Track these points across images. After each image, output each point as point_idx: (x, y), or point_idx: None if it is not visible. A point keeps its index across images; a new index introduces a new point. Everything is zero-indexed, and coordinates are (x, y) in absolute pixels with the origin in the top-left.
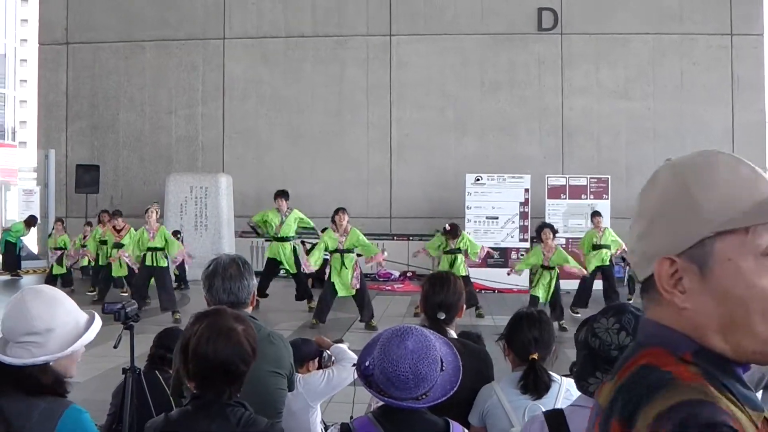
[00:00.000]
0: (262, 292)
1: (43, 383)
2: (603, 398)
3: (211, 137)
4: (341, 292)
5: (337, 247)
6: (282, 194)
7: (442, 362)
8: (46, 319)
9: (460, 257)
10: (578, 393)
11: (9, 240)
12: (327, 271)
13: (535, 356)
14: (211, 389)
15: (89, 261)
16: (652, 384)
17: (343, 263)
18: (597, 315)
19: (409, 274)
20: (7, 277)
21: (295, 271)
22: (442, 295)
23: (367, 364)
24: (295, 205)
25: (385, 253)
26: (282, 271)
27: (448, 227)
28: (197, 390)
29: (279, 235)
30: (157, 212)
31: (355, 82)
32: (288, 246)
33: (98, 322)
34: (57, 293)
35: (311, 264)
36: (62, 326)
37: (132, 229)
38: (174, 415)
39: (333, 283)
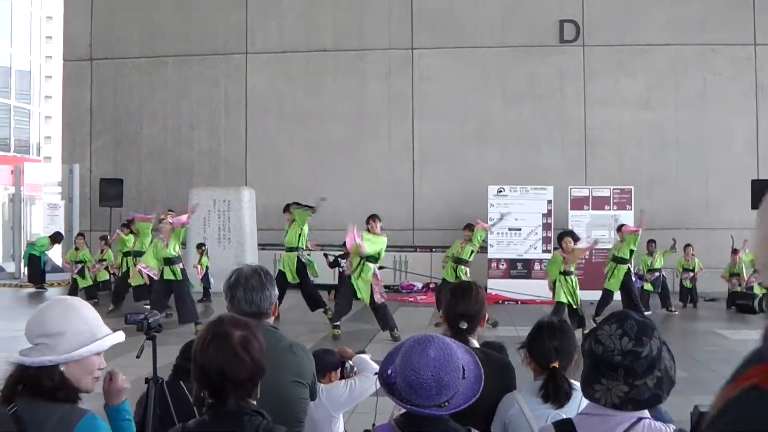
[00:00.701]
0: (318, 302)
1: (49, 386)
2: (716, 403)
3: (234, 151)
4: (360, 294)
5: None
6: (288, 208)
7: (464, 370)
8: (59, 323)
9: (462, 268)
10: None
11: (33, 253)
12: (343, 272)
13: (556, 365)
14: (218, 397)
15: (110, 273)
16: (754, 416)
17: (361, 270)
18: (601, 323)
19: (432, 286)
20: (32, 289)
21: (297, 280)
22: (464, 304)
23: (389, 372)
24: (316, 218)
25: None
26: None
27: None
28: (211, 399)
29: (286, 245)
30: (171, 222)
31: (376, 94)
32: (294, 256)
33: (120, 335)
34: (78, 303)
35: (366, 248)
36: (75, 332)
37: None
38: (191, 425)
39: (352, 283)
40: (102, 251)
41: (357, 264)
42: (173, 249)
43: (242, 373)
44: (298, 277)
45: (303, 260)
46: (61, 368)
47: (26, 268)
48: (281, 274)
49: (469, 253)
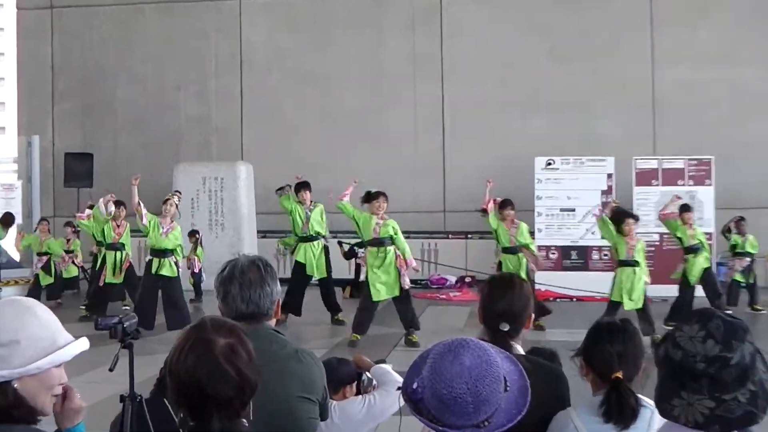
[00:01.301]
0: (295, 308)
1: (2, 405)
2: None
3: (227, 118)
4: (379, 296)
5: (375, 233)
6: (305, 186)
7: (505, 381)
8: (13, 330)
9: (521, 258)
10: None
11: None
12: (360, 264)
13: (619, 375)
14: (199, 419)
15: (79, 268)
16: None
17: (384, 259)
18: (679, 323)
19: (467, 280)
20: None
21: (324, 275)
22: (505, 301)
23: (414, 386)
24: (329, 199)
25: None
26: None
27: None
28: (191, 420)
29: (306, 234)
30: (177, 205)
31: (397, 51)
32: (318, 246)
33: (83, 343)
34: (34, 305)
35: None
36: (32, 340)
37: (129, 226)
38: None
39: (369, 285)
40: (69, 240)
41: (375, 254)
42: (175, 238)
43: (227, 390)
44: (325, 271)
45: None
46: (15, 385)
47: None
48: (302, 268)
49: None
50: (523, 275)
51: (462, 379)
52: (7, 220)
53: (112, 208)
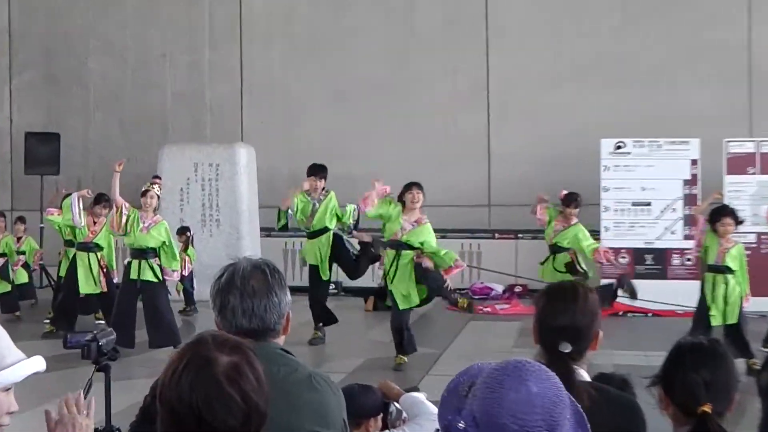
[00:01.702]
0: (329, 317)
1: None
2: None
3: (224, 94)
4: (405, 305)
5: (395, 234)
6: (318, 170)
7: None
8: None
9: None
10: None
11: None
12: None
13: (707, 408)
14: None
15: (30, 272)
16: None
17: (397, 263)
18: None
19: (517, 289)
20: None
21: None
22: (566, 316)
23: (461, 425)
24: (347, 191)
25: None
26: (331, 286)
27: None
28: None
29: (312, 229)
30: (158, 196)
31: (431, 12)
32: (325, 239)
33: (38, 362)
34: None
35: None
36: None
37: (107, 221)
38: None
39: (392, 294)
40: (19, 239)
41: (392, 259)
42: (159, 234)
43: (230, 419)
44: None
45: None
46: None
47: None
48: (314, 272)
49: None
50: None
51: (534, 409)
52: None
53: (82, 221)
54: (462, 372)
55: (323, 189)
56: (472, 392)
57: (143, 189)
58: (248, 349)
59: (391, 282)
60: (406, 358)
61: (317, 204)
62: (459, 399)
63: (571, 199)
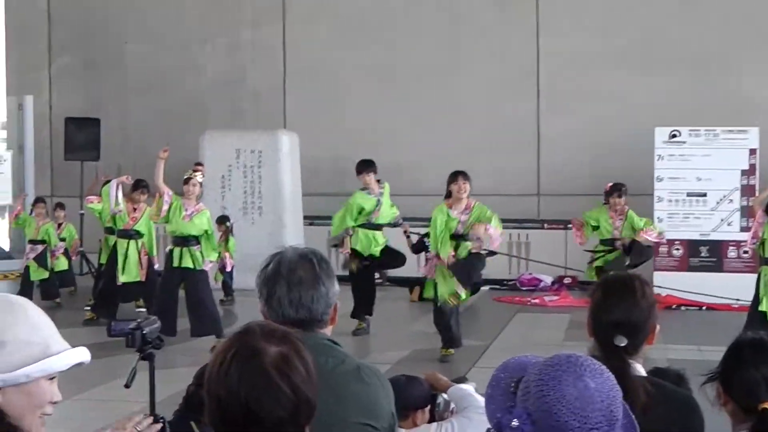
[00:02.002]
0: (369, 307)
1: None
2: None
3: (267, 78)
4: (449, 297)
5: (456, 230)
6: (367, 166)
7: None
8: None
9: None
10: None
11: None
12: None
13: None
14: None
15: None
16: None
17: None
18: None
19: (567, 281)
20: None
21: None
22: (622, 309)
23: (515, 423)
24: (393, 179)
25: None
26: (376, 275)
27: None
28: None
29: (376, 222)
30: (201, 183)
31: None
32: (381, 236)
33: (82, 353)
34: (24, 303)
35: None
36: (20, 344)
37: (148, 209)
38: None
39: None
40: (60, 225)
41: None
42: (201, 223)
43: (278, 410)
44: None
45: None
46: None
47: None
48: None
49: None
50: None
51: (595, 405)
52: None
53: (121, 206)
54: (501, 368)
55: (378, 181)
56: (523, 389)
57: (185, 176)
58: (297, 340)
59: (442, 278)
60: (453, 351)
61: (380, 198)
62: (507, 396)
63: (614, 190)
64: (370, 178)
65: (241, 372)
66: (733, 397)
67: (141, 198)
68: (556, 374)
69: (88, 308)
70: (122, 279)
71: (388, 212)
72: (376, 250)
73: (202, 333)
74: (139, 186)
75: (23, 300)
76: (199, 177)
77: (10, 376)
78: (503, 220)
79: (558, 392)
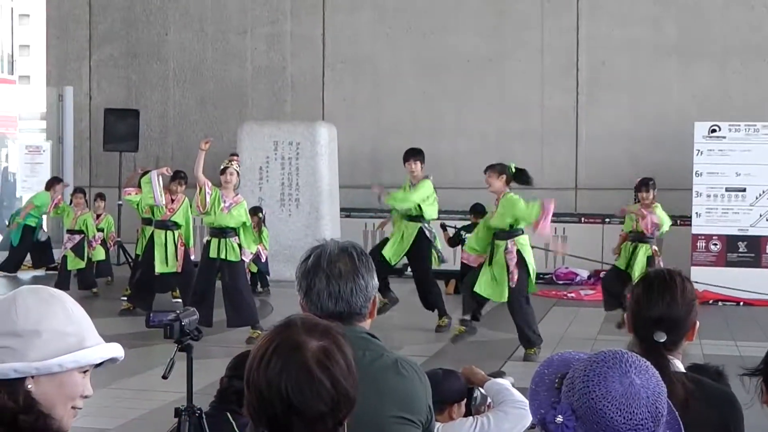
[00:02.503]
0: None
1: (10, 408)
2: None
3: (306, 69)
4: (481, 290)
5: (489, 223)
6: (415, 154)
7: None
8: (33, 320)
9: (646, 248)
10: None
11: (29, 224)
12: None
13: None
14: None
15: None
16: None
17: (493, 250)
18: None
19: (603, 275)
20: (41, 272)
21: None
22: (662, 305)
23: (559, 420)
24: (432, 172)
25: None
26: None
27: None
28: None
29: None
30: (238, 173)
31: None
32: (411, 229)
33: (116, 349)
34: (61, 295)
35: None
36: (55, 334)
37: (187, 201)
38: None
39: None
40: (99, 216)
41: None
42: (239, 215)
43: (318, 404)
44: (412, 257)
45: (428, 234)
46: (29, 386)
47: (12, 248)
48: (376, 250)
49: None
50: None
51: (640, 402)
52: (54, 185)
53: (163, 200)
54: (545, 364)
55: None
56: (568, 385)
57: (222, 167)
58: (338, 334)
59: (488, 268)
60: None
61: (411, 188)
62: (551, 392)
63: (642, 184)
64: (413, 165)
65: (283, 365)
66: None
67: (179, 189)
68: (602, 370)
69: (125, 299)
70: (158, 269)
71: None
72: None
73: (239, 324)
74: (177, 177)
75: (61, 292)
76: (235, 166)
77: (44, 364)
78: None
79: (603, 388)
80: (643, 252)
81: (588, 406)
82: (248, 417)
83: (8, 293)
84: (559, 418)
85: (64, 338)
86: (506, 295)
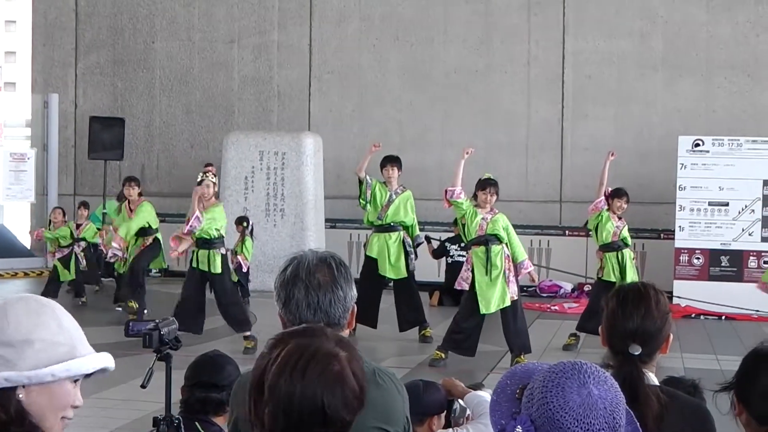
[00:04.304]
0: (370, 318)
1: (1, 419)
2: None
3: (293, 79)
4: (489, 308)
5: (478, 231)
6: (392, 161)
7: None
8: (25, 329)
9: (627, 253)
10: None
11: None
12: (465, 275)
13: None
14: None
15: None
16: None
17: (488, 259)
18: None
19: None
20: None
21: (404, 275)
22: (636, 318)
23: (518, 430)
24: (421, 182)
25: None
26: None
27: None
28: None
29: (384, 222)
30: (214, 183)
31: None
32: (396, 237)
33: (108, 359)
34: (52, 304)
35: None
36: (47, 344)
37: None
38: None
39: (475, 295)
40: (79, 226)
41: (480, 256)
42: (212, 218)
43: (346, 413)
44: (404, 270)
45: (408, 246)
46: (20, 395)
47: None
48: (370, 263)
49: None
50: (631, 274)
51: (598, 413)
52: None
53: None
54: (508, 374)
55: (398, 182)
56: (527, 396)
57: (198, 180)
58: (352, 345)
59: (481, 279)
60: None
61: (394, 196)
62: (512, 403)
63: (616, 194)
64: (390, 171)
65: (320, 376)
66: (748, 407)
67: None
68: (560, 381)
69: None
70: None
71: (398, 213)
72: (386, 254)
73: (238, 329)
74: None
75: (51, 302)
76: (210, 177)
77: (36, 374)
78: (526, 227)
79: (561, 399)
80: (629, 258)
81: (546, 417)
82: (257, 427)
83: None
84: (519, 429)
85: (56, 348)
86: (507, 300)
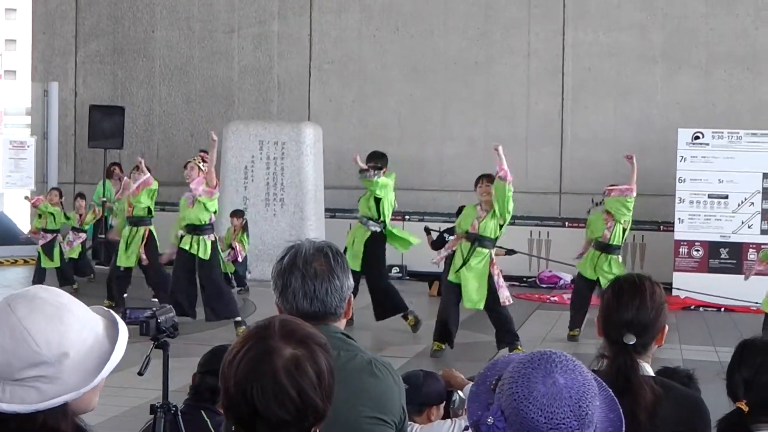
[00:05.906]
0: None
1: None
2: None
3: (293, 69)
4: (468, 304)
5: (469, 229)
6: (374, 158)
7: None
8: (56, 341)
9: (616, 260)
10: None
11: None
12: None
13: (742, 405)
14: None
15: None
16: None
17: (468, 259)
18: None
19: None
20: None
21: (358, 269)
22: (632, 309)
23: (490, 421)
24: (420, 173)
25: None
26: (395, 269)
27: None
28: None
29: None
30: (200, 167)
31: None
32: (362, 231)
33: (122, 327)
34: (59, 297)
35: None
36: (79, 346)
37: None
38: None
39: (454, 286)
40: (80, 216)
41: (468, 249)
42: (204, 211)
43: (282, 413)
44: (365, 260)
45: (374, 230)
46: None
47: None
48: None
49: (620, 236)
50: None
51: (563, 402)
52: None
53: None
54: (489, 366)
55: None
56: (500, 386)
57: (185, 162)
58: (316, 343)
59: (466, 273)
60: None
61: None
62: (488, 393)
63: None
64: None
65: (251, 369)
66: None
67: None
68: (527, 371)
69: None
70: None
71: (364, 206)
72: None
73: (220, 316)
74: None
75: (56, 292)
76: (197, 161)
77: (88, 387)
78: (525, 218)
79: (526, 389)
80: (616, 265)
81: (513, 407)
82: (223, 410)
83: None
84: (490, 420)
85: (87, 343)
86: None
